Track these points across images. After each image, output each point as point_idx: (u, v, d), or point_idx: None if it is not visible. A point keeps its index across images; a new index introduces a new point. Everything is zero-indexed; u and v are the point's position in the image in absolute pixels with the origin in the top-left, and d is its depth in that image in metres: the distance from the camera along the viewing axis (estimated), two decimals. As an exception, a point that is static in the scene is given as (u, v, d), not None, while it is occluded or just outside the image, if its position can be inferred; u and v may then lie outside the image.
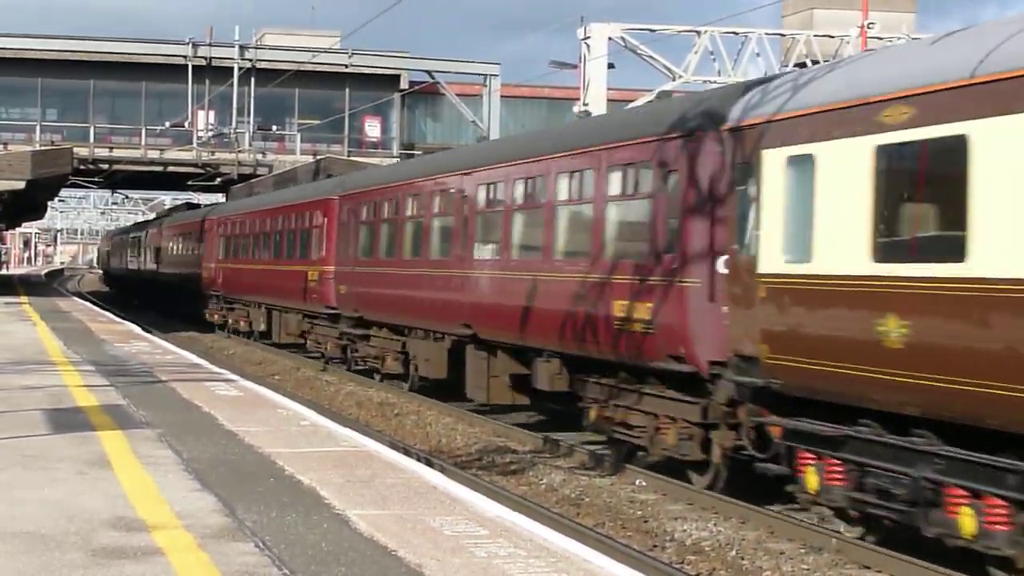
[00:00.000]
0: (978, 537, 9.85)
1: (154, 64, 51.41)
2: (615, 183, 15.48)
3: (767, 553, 11.68)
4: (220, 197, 55.61)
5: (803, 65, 52.87)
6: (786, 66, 44.03)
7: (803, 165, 11.75)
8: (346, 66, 47.53)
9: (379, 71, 52.88)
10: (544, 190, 17.45)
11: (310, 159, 47.89)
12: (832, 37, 40.73)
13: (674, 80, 36.72)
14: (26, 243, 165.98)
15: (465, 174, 20.53)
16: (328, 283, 27.85)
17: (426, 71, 45.81)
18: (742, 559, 11.54)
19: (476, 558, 7.38)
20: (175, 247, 49.23)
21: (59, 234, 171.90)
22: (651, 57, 36.40)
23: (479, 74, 43.64)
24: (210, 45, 46.50)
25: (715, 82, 38.52)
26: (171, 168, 52.84)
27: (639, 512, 13.48)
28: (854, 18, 36.42)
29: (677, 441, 14.11)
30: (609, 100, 36.66)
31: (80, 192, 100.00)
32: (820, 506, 12.09)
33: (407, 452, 15.35)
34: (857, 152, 10.98)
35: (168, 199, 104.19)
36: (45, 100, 53.32)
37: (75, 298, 51.80)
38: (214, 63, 46.87)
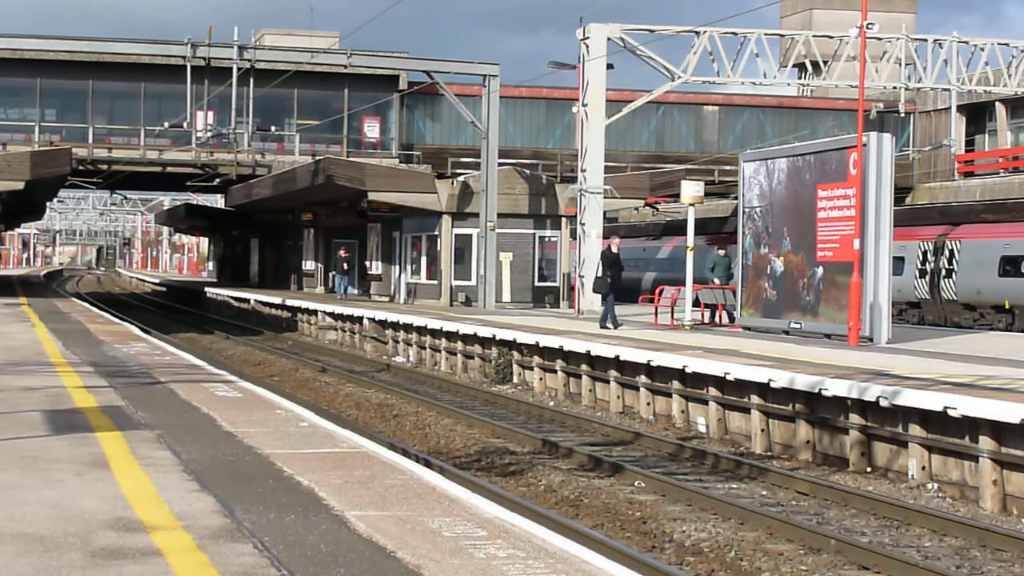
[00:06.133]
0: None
1: (153, 64, 51.32)
2: None
3: (766, 554, 11.68)
4: (220, 199, 55.53)
5: (801, 66, 53.00)
6: (785, 66, 44.07)
7: None
8: (345, 66, 47.32)
9: (378, 71, 52.77)
10: None
11: (309, 159, 47.88)
12: (831, 37, 40.78)
13: (673, 80, 36.72)
14: (25, 244, 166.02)
15: None
16: None
17: (425, 71, 45.65)
18: (741, 560, 11.54)
19: (475, 559, 7.38)
20: None
21: (58, 235, 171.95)
22: (650, 57, 36.39)
23: (478, 74, 43.44)
24: (209, 45, 46.29)
25: (714, 82, 38.55)
26: (170, 168, 52.82)
27: (638, 513, 13.49)
28: (853, 18, 36.38)
29: None
30: (608, 100, 36.65)
31: (79, 193, 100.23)
32: None
33: (406, 453, 15.36)
34: None
35: (167, 199, 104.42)
36: (44, 100, 53.26)
37: (74, 299, 51.79)
38: (213, 63, 46.67)
